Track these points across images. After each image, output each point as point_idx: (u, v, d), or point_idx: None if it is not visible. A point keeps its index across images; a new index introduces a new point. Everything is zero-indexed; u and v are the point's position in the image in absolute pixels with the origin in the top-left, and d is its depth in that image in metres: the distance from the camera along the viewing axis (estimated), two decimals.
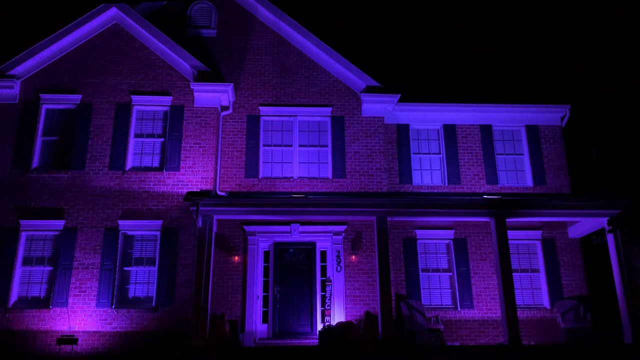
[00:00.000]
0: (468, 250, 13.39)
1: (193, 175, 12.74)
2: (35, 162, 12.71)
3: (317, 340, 11.33)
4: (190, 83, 13.25)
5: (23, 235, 12.24)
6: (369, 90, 13.93)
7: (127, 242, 12.43)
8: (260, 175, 13.40)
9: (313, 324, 12.56)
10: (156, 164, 13.01)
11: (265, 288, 12.72)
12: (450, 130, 14.42)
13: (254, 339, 12.00)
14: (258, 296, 12.48)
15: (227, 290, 12.35)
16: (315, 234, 12.93)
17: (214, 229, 11.99)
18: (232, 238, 12.75)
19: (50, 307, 11.69)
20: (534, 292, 13.33)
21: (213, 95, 13.32)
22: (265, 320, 12.49)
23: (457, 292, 13.09)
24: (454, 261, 13.35)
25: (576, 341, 11.92)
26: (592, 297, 13.24)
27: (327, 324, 11.82)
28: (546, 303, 13.12)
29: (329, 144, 13.80)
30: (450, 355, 10.63)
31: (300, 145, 13.82)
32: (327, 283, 12.61)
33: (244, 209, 11.89)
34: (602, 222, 12.25)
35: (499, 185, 13.99)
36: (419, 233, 13.41)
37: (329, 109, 14.00)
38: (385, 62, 16.99)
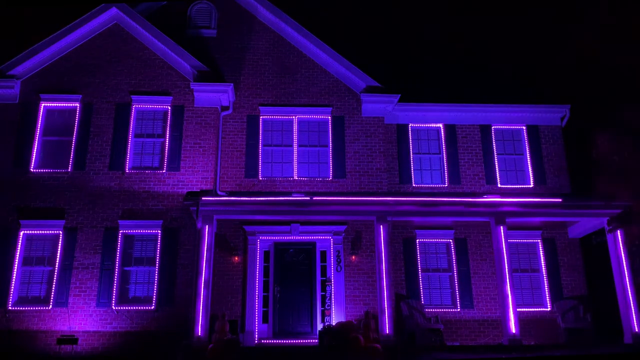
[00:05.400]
0: (468, 250, 13.40)
1: (193, 175, 12.74)
2: (35, 162, 12.71)
3: (317, 340, 11.34)
4: (190, 83, 13.25)
5: (23, 235, 12.24)
6: (369, 90, 13.94)
7: (127, 242, 12.43)
8: (260, 175, 13.40)
9: (313, 323, 12.57)
10: (156, 163, 13.02)
11: (266, 288, 12.72)
12: (450, 130, 14.43)
13: (254, 338, 12.01)
14: (258, 296, 12.47)
15: (227, 290, 12.35)
16: (315, 234, 12.93)
17: (214, 229, 11.99)
18: (232, 238, 12.75)
19: (51, 307, 11.69)
20: (534, 292, 13.33)
21: (213, 95, 13.32)
22: (265, 320, 12.49)
23: (457, 292, 13.09)
24: (453, 261, 13.35)
25: (576, 341, 11.92)
26: (592, 297, 13.24)
27: (327, 323, 11.82)
28: (546, 303, 13.12)
29: (329, 144, 13.81)
30: (450, 355, 10.63)
31: (300, 145, 13.82)
32: (327, 283, 12.61)
33: (244, 209, 11.90)
34: (602, 222, 12.26)
35: (499, 185, 13.99)
36: (419, 233, 13.42)
37: (329, 109, 14.00)
38: (385, 62, 17.00)
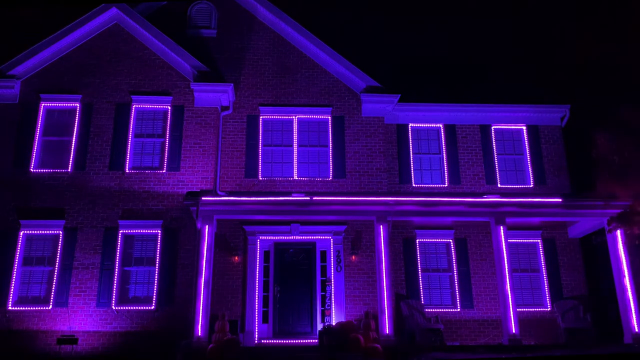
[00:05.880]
0: (468, 250, 13.40)
1: (193, 175, 12.74)
2: (35, 162, 12.71)
3: (317, 340, 11.34)
4: (191, 83, 13.25)
5: (23, 235, 12.24)
6: (369, 90, 13.94)
7: (127, 242, 12.43)
8: (260, 175, 13.40)
9: (313, 323, 12.57)
10: (156, 164, 13.02)
11: (266, 288, 12.72)
12: (450, 130, 14.43)
13: (254, 338, 12.01)
14: (258, 296, 12.46)
15: (227, 290, 12.35)
16: (315, 234, 12.93)
17: (214, 229, 11.99)
18: (232, 238, 12.75)
19: (51, 307, 11.69)
20: (534, 292, 13.33)
21: (213, 95, 13.32)
22: (265, 320, 12.49)
23: (457, 292, 13.09)
24: (453, 261, 13.35)
25: (576, 341, 11.92)
26: (592, 297, 13.24)
27: (327, 323, 11.82)
28: (546, 303, 13.12)
29: (329, 144, 13.81)
30: (450, 355, 10.62)
31: (300, 145, 13.82)
32: (327, 283, 12.61)
33: (244, 209, 11.89)
34: (602, 222, 12.26)
35: (499, 185, 14.00)
36: (419, 233, 13.42)
37: (329, 109, 14.00)
38: (385, 62, 16.98)
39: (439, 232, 13.47)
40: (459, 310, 12.91)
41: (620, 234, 11.94)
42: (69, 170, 12.65)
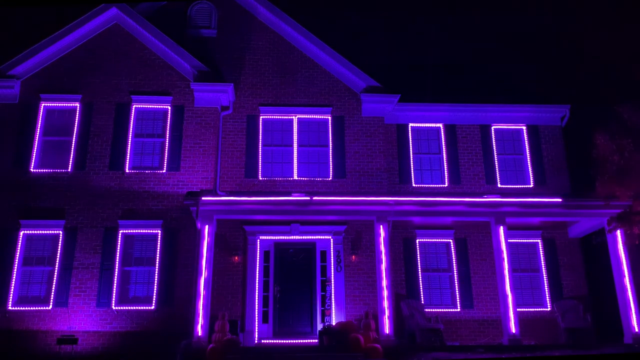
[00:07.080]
0: (468, 250, 13.40)
1: (193, 175, 12.74)
2: (35, 162, 12.71)
3: (317, 340, 11.34)
4: (191, 83, 13.25)
5: (23, 235, 12.24)
6: (369, 90, 13.93)
7: (127, 242, 12.43)
8: (260, 175, 13.39)
9: (313, 323, 12.56)
10: (156, 164, 13.02)
11: (266, 288, 12.72)
12: (450, 130, 14.43)
13: (254, 338, 12.00)
14: (258, 296, 12.46)
15: (227, 290, 12.34)
16: (315, 233, 12.93)
17: (214, 229, 11.99)
18: (232, 238, 12.75)
19: (51, 307, 11.69)
20: (534, 292, 13.33)
21: (213, 95, 13.32)
22: (265, 320, 12.49)
23: (457, 292, 13.09)
24: (453, 261, 13.35)
25: (576, 341, 11.92)
26: (592, 297, 13.24)
27: (327, 323, 11.82)
28: (546, 303, 13.12)
29: (329, 144, 13.80)
30: (450, 355, 10.62)
31: (300, 145, 13.81)
32: (327, 283, 12.61)
33: (244, 209, 11.89)
34: (602, 222, 12.26)
35: (499, 185, 14.00)
36: (419, 233, 13.42)
37: (329, 109, 14.00)
38: (385, 62, 16.98)
39: (439, 232, 13.47)
40: (459, 310, 12.91)
41: (620, 234, 11.94)
42: (69, 170, 12.65)
